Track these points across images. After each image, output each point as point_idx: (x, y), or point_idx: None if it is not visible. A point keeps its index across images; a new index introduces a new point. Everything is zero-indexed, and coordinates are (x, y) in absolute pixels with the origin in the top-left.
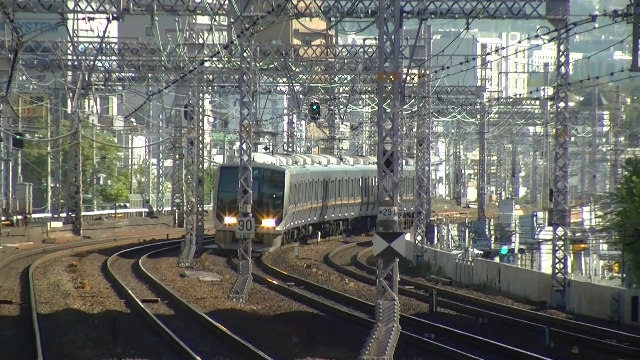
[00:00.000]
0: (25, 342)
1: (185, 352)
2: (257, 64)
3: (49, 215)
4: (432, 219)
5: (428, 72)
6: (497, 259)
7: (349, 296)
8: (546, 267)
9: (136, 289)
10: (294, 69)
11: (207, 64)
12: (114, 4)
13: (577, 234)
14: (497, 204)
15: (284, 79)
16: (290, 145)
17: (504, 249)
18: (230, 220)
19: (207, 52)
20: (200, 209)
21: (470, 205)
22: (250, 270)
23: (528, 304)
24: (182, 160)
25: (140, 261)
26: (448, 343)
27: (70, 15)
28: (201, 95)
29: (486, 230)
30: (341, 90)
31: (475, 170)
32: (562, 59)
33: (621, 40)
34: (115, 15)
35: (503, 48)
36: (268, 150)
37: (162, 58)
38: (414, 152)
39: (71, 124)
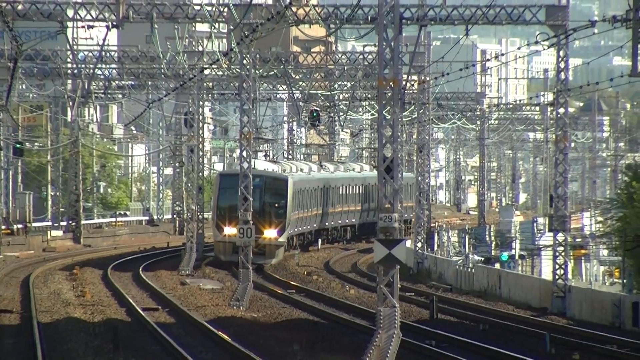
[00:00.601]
0: (26, 351)
1: None
2: (257, 72)
3: (50, 223)
4: (432, 225)
5: (428, 79)
6: (497, 265)
7: (349, 303)
8: (547, 273)
9: (137, 297)
10: (293, 76)
11: (206, 72)
12: (114, 12)
13: (578, 240)
14: (497, 210)
15: (284, 86)
16: (290, 152)
17: (505, 255)
18: (230, 230)
19: (206, 60)
20: (200, 216)
21: (470, 212)
22: (251, 277)
23: (529, 310)
24: (182, 168)
25: (140, 269)
26: (449, 350)
27: (69, 24)
28: (201, 102)
29: (486, 236)
30: (341, 97)
31: (476, 177)
32: (562, 65)
33: (621, 45)
34: (114, 23)
35: (503, 54)
36: (268, 158)
37: (162, 66)
38: (414, 158)
39: (71, 133)
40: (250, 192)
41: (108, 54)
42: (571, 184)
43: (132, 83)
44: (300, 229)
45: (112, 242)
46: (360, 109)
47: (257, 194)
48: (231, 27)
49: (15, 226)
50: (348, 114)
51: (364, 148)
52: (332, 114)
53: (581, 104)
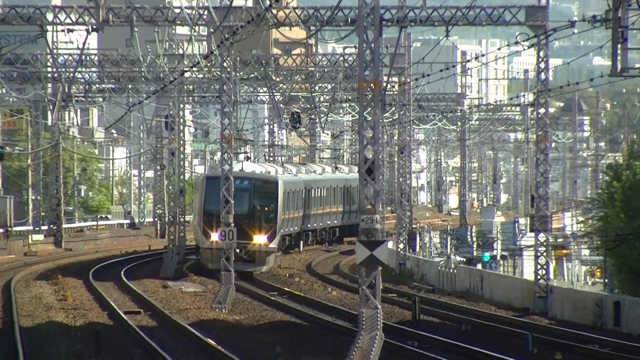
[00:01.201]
0: (8, 356)
1: None
2: (237, 74)
3: (31, 228)
4: (414, 226)
5: (408, 80)
6: (479, 266)
7: (332, 305)
8: (528, 274)
9: (119, 301)
10: (274, 78)
11: (187, 75)
12: (93, 16)
13: (559, 240)
14: (478, 210)
15: (265, 89)
16: (271, 155)
17: (486, 256)
18: (218, 237)
19: (187, 63)
20: (182, 219)
21: (452, 213)
22: (233, 280)
23: (511, 311)
24: (163, 171)
25: (122, 273)
26: (431, 351)
27: (49, 28)
28: (182, 105)
29: (468, 237)
30: (322, 99)
31: (457, 177)
32: (542, 65)
33: (600, 45)
34: (94, 27)
35: (483, 55)
36: (250, 160)
37: (142, 69)
38: (395, 159)
39: (52, 136)
40: (232, 194)
41: (88, 58)
42: (552, 184)
43: (113, 86)
44: (284, 230)
45: (93, 245)
46: (341, 111)
47: (246, 197)
48: (211, 30)
49: None
50: (329, 115)
51: (329, 150)
52: (312, 116)
53: (561, 104)
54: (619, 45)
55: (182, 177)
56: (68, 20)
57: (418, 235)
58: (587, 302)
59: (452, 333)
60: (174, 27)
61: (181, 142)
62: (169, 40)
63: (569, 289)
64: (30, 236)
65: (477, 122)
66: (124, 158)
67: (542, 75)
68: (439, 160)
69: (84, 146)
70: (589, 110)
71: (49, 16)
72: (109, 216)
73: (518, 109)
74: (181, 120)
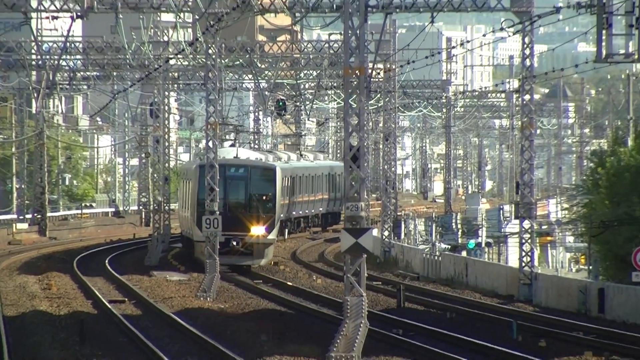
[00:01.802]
0: None
1: (152, 352)
2: (223, 61)
3: (15, 216)
4: (399, 213)
5: (394, 67)
6: (464, 253)
7: (317, 293)
8: (513, 261)
9: (103, 290)
10: (259, 65)
11: (172, 62)
12: (78, 3)
13: (544, 227)
14: (463, 197)
15: (250, 76)
16: (257, 142)
17: (471, 243)
18: None
19: (172, 50)
20: (167, 207)
21: (437, 200)
22: (218, 268)
23: (496, 298)
24: (148, 158)
25: (107, 261)
26: (416, 338)
27: (33, 15)
28: (167, 93)
29: (453, 224)
30: (307, 86)
31: (442, 165)
32: (527, 52)
33: (585, 31)
34: (79, 13)
35: (468, 41)
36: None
37: (127, 56)
38: (380, 147)
39: (36, 124)
40: (217, 182)
41: (73, 45)
42: (537, 170)
43: (97, 74)
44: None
45: (78, 234)
46: (326, 98)
47: (242, 186)
48: (196, 17)
49: None
50: (314, 102)
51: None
52: (298, 103)
53: (546, 91)
54: (604, 31)
55: (167, 165)
56: (52, 7)
57: (403, 222)
58: (571, 289)
59: (437, 321)
60: (158, 14)
61: (166, 129)
62: (153, 27)
63: (553, 275)
64: (14, 225)
65: (462, 109)
66: (108, 146)
67: (527, 62)
68: (424, 148)
69: (68, 134)
70: (574, 96)
71: (34, 3)
72: (94, 204)
73: (503, 95)
74: (166, 107)
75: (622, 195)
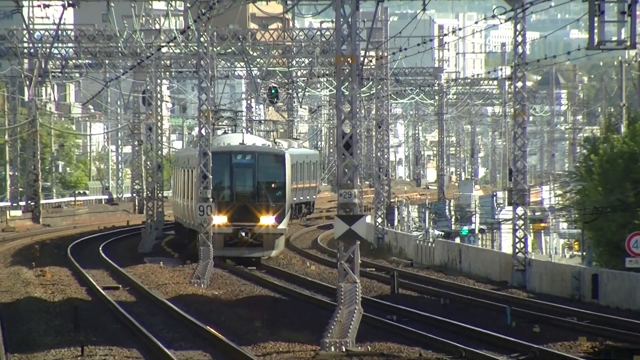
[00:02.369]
0: None
1: (147, 338)
2: (215, 49)
3: (8, 203)
4: (392, 200)
5: (386, 54)
6: (457, 240)
7: (310, 279)
8: (507, 247)
9: (97, 276)
10: (251, 53)
11: (164, 50)
12: None
13: (537, 213)
14: (457, 184)
15: (242, 64)
16: (249, 129)
17: (465, 230)
18: (220, 219)
19: (164, 38)
20: (160, 195)
21: (430, 187)
22: (212, 255)
23: (489, 284)
24: (141, 146)
25: (100, 248)
26: (410, 324)
27: (25, 3)
28: (159, 81)
29: (446, 211)
30: (299, 73)
31: (435, 152)
32: (519, 39)
33: (577, 18)
34: (70, 2)
35: (460, 29)
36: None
37: (119, 44)
38: (373, 134)
39: (29, 112)
40: (210, 169)
41: (65, 33)
42: (530, 157)
43: (90, 62)
44: None
45: (71, 221)
46: (319, 86)
47: (250, 173)
48: (188, 5)
49: None
50: (306, 90)
51: None
52: (290, 91)
53: (539, 78)
54: (596, 18)
55: (159, 152)
56: None
57: (396, 209)
58: (565, 274)
59: (431, 307)
60: (150, 1)
61: (159, 117)
62: (145, 16)
63: (547, 261)
64: (8, 212)
65: (455, 96)
66: (101, 134)
67: (520, 49)
68: (416, 135)
69: (61, 122)
70: (566, 83)
71: None
72: (87, 192)
73: (495, 82)
74: (158, 95)
75: (615, 181)
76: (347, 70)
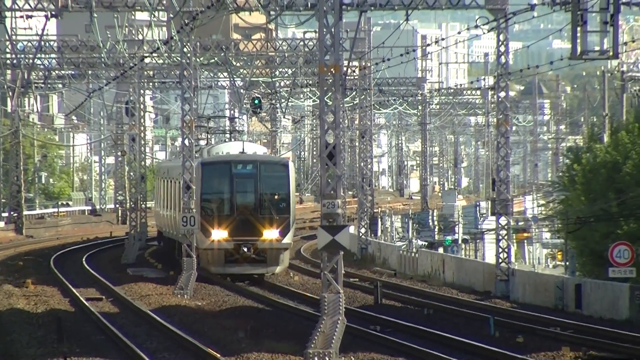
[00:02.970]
0: None
1: (130, 349)
2: (198, 59)
3: None
4: (375, 210)
5: (369, 64)
6: (441, 250)
7: (294, 290)
8: (490, 257)
9: (80, 287)
10: (234, 63)
11: (147, 60)
12: (52, 2)
13: (520, 223)
14: (440, 194)
15: (225, 74)
16: (233, 140)
17: (448, 240)
18: (220, 234)
19: (147, 48)
20: (143, 205)
21: (413, 197)
22: (195, 266)
23: (473, 294)
24: (124, 157)
25: (84, 259)
26: (394, 335)
27: (8, 13)
28: (142, 91)
29: (430, 221)
30: (282, 84)
31: (418, 162)
32: (502, 49)
33: (560, 28)
34: (53, 12)
35: (443, 39)
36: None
37: (102, 55)
38: (356, 144)
39: (11, 123)
40: (193, 179)
41: (47, 44)
42: (513, 167)
43: (73, 72)
44: None
45: (54, 232)
46: (302, 96)
47: (251, 184)
48: (171, 15)
49: None
50: (289, 100)
51: None
52: (273, 101)
53: (522, 88)
54: (579, 28)
55: (143, 163)
56: (27, 6)
57: (380, 219)
58: (548, 284)
59: (414, 317)
60: (133, 12)
61: (142, 128)
62: (128, 26)
63: (530, 271)
64: None
65: (438, 106)
66: (84, 144)
67: (502, 59)
68: (400, 145)
69: (44, 133)
70: (549, 93)
71: (8, 2)
72: (70, 203)
73: (479, 92)
74: (142, 106)
75: (598, 191)
76: (330, 81)
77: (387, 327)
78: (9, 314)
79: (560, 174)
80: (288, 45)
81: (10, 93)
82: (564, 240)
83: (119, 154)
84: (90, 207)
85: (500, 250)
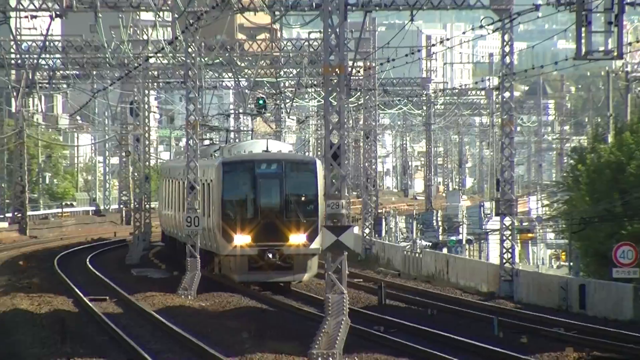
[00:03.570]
0: None
1: (134, 350)
2: (202, 60)
3: None
4: (380, 211)
5: (373, 65)
6: (445, 250)
7: (298, 290)
8: (494, 257)
9: (84, 288)
10: (239, 63)
11: (151, 60)
12: (57, 2)
13: (525, 224)
14: (444, 195)
15: (230, 74)
16: (238, 140)
17: (452, 240)
18: (243, 239)
19: (151, 49)
20: (147, 206)
21: (417, 197)
22: (199, 267)
23: (477, 295)
24: (128, 157)
25: (87, 260)
26: (397, 335)
27: (12, 14)
28: (146, 91)
29: (434, 221)
30: (287, 84)
31: (422, 162)
32: (507, 49)
33: (565, 29)
34: (58, 12)
35: (448, 39)
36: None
37: (107, 55)
38: (361, 144)
39: (16, 123)
40: (198, 180)
41: (52, 44)
42: (517, 167)
43: (77, 73)
44: None
45: (58, 233)
46: (307, 96)
47: (276, 185)
48: (176, 16)
49: None
50: (294, 101)
51: None
52: (278, 101)
53: (526, 88)
54: (583, 29)
55: (147, 163)
56: (31, 6)
57: (384, 220)
58: (552, 285)
59: (418, 318)
60: (138, 12)
61: (146, 128)
62: (133, 26)
63: (534, 272)
64: None
65: (442, 107)
66: (88, 145)
67: (507, 59)
68: (404, 145)
69: (48, 133)
70: (554, 93)
71: (12, 2)
72: (74, 203)
73: (483, 93)
74: (146, 106)
75: (602, 192)
76: (334, 81)
77: (391, 327)
78: (12, 315)
79: (565, 174)
80: (293, 45)
81: (15, 93)
82: (568, 240)
83: (123, 154)
84: (94, 208)
85: (504, 250)
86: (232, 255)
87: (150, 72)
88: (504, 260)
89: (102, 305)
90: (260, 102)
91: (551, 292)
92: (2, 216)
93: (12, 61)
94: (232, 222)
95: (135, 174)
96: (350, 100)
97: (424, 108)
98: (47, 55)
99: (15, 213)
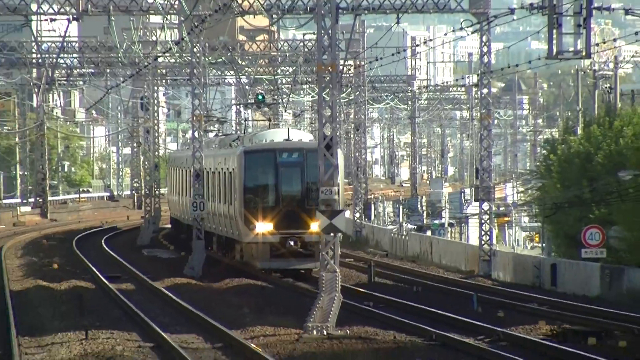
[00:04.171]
0: (0, 316)
1: (145, 323)
2: (206, 59)
3: (19, 200)
4: (369, 197)
5: (363, 63)
6: (429, 233)
7: None
8: (474, 239)
9: (100, 267)
10: (240, 62)
11: (160, 60)
12: (74, 6)
13: (502, 209)
14: (428, 182)
15: (231, 72)
16: (239, 132)
17: (435, 224)
18: (265, 227)
19: (160, 49)
20: (157, 192)
21: (403, 184)
22: (203, 248)
23: (458, 273)
24: (139, 148)
25: (103, 241)
26: (385, 310)
27: (33, 17)
28: (155, 88)
29: (419, 206)
30: (284, 81)
31: (408, 152)
32: (485, 49)
33: (538, 30)
34: (75, 16)
35: (431, 40)
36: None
37: (119, 55)
38: (352, 136)
39: (37, 117)
40: (202, 170)
41: (69, 45)
42: (495, 157)
43: (92, 71)
44: None
45: (76, 216)
46: (302, 92)
47: (297, 174)
48: (182, 19)
49: None
50: (290, 96)
51: None
52: (275, 97)
53: (503, 85)
54: (555, 31)
55: (156, 153)
56: (51, 10)
57: (373, 205)
58: (526, 264)
59: (405, 294)
60: (147, 16)
61: (155, 121)
62: (143, 28)
63: (510, 252)
64: (18, 208)
65: (426, 102)
66: (103, 136)
67: (485, 59)
68: (391, 137)
69: (66, 125)
70: (528, 90)
71: (33, 6)
72: (90, 189)
73: (463, 89)
74: (155, 101)
75: (572, 179)
76: (327, 78)
77: (379, 303)
78: (35, 290)
79: (538, 163)
80: (289, 45)
81: (36, 90)
82: (541, 224)
83: (135, 145)
84: (108, 194)
85: (483, 233)
86: (254, 243)
87: (159, 70)
88: (483, 242)
89: (116, 283)
90: (260, 97)
91: (525, 271)
92: (25, 201)
93: (34, 60)
94: (254, 210)
95: (146, 163)
96: (341, 95)
97: (409, 103)
98: (65, 55)
99: (37, 198)
